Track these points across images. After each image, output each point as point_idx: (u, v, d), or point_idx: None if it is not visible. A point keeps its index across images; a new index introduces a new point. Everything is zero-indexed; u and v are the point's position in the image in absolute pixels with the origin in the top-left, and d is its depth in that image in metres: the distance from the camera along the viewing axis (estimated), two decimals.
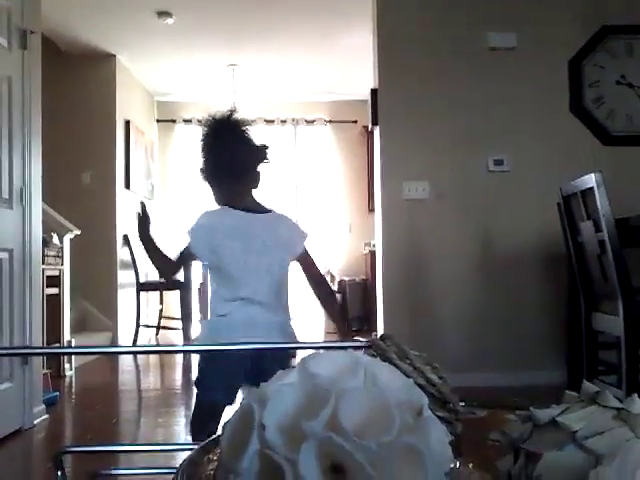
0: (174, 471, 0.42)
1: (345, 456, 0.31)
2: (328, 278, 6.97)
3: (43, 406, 3.09)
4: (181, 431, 2.90)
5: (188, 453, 0.46)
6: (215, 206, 2.06)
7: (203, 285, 6.18)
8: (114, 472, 0.69)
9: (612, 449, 0.41)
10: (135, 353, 5.48)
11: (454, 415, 0.52)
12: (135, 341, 5.63)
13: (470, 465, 0.53)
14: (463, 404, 0.56)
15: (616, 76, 3.86)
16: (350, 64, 5.85)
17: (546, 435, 0.46)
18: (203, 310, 6.17)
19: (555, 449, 0.44)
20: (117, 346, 4.64)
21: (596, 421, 0.45)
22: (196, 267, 5.90)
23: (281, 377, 0.35)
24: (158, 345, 5.38)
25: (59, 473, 0.61)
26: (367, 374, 0.35)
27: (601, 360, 2.89)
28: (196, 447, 0.47)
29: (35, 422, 2.95)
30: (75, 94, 5.56)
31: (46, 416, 3.07)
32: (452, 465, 0.45)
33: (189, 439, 2.09)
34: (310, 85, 6.76)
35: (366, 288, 6.43)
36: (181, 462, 0.44)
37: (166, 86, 6.75)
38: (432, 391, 0.49)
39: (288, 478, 0.31)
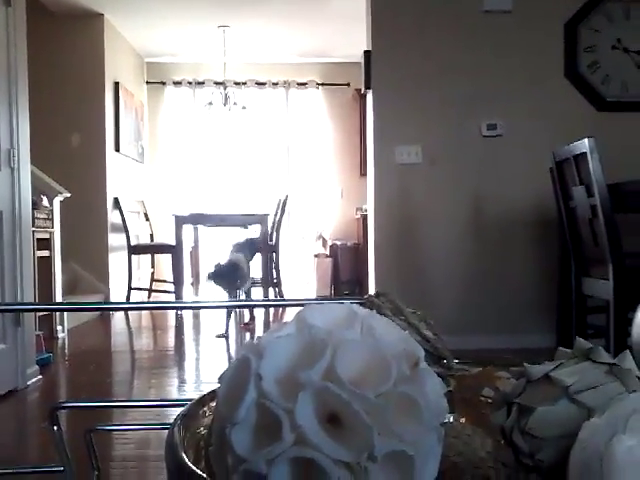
0: (168, 427, 0.42)
1: (342, 405, 0.31)
2: (320, 242, 6.99)
3: (37, 367, 3.11)
4: (174, 391, 2.93)
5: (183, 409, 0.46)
6: None
7: (195, 248, 6.18)
8: (109, 427, 0.70)
9: (604, 403, 0.41)
10: (128, 310, 5.51)
11: (448, 371, 0.52)
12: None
13: (463, 420, 0.54)
14: (457, 361, 0.57)
15: (612, 41, 3.82)
16: (343, 26, 5.75)
17: (539, 390, 0.46)
18: (195, 273, 6.18)
19: (548, 403, 0.44)
20: (110, 303, 4.65)
21: (589, 376, 0.45)
22: (187, 231, 5.89)
23: (278, 328, 0.35)
24: (153, 302, 5.40)
25: (55, 428, 0.61)
26: (364, 326, 0.35)
27: (590, 324, 2.93)
28: (191, 402, 0.47)
29: (29, 383, 2.98)
30: (62, 54, 5.45)
31: (40, 377, 3.09)
32: (446, 419, 0.46)
33: (183, 397, 2.14)
34: (302, 47, 6.65)
35: (358, 252, 6.45)
36: (177, 415, 0.44)
37: (156, 47, 6.62)
38: (427, 347, 0.50)
39: (285, 427, 0.31)
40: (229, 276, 4.24)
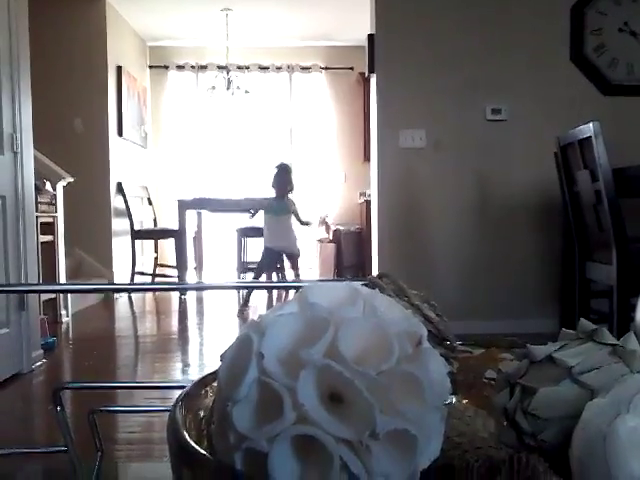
0: (170, 409, 0.42)
1: (344, 383, 0.31)
2: (323, 227, 6.99)
3: (41, 351, 3.13)
4: (178, 374, 2.95)
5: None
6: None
7: (198, 233, 6.18)
8: (112, 409, 0.70)
9: (608, 384, 0.41)
10: (133, 291, 5.52)
11: (451, 352, 0.52)
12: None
13: (465, 401, 0.54)
14: (460, 343, 0.56)
15: (619, 23, 3.78)
16: (347, 9, 5.70)
17: (542, 371, 0.46)
18: (198, 258, 6.19)
19: (551, 384, 0.44)
20: (114, 284, 4.65)
21: (592, 357, 0.45)
22: (191, 215, 5.89)
23: (280, 307, 0.35)
24: (159, 284, 5.41)
25: (58, 408, 0.62)
26: (366, 304, 0.34)
27: (593, 309, 2.93)
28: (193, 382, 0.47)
29: (33, 366, 3.00)
30: (64, 38, 5.41)
31: (44, 360, 3.11)
32: (449, 399, 0.46)
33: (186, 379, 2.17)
34: (306, 31, 6.60)
35: (361, 237, 6.45)
36: (178, 395, 0.44)
37: (158, 31, 6.58)
38: (429, 328, 0.49)
39: (286, 405, 0.31)
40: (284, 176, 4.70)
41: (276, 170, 4.79)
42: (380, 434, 0.31)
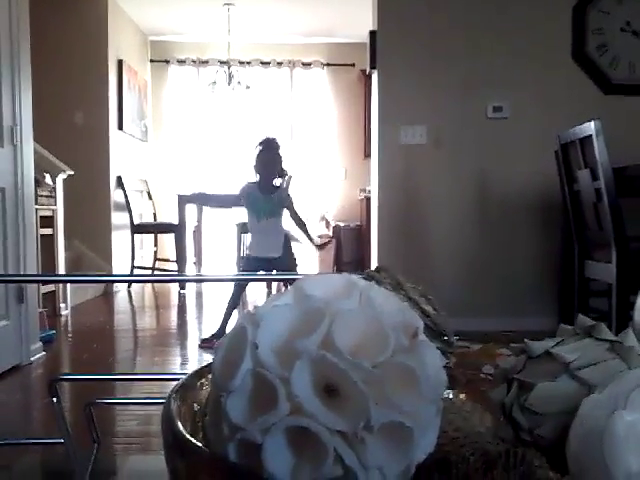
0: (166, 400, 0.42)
1: (339, 375, 0.30)
2: (323, 223, 6.98)
3: (40, 344, 3.13)
4: (176, 369, 2.95)
5: None
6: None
7: (198, 228, 6.18)
8: (109, 401, 0.70)
9: (605, 379, 0.41)
10: (132, 282, 5.51)
11: (448, 347, 0.52)
12: (130, 283, 5.65)
13: (462, 396, 0.53)
14: (457, 338, 0.56)
15: (621, 23, 3.77)
16: (349, 6, 5.68)
17: (540, 366, 0.46)
18: (197, 252, 6.18)
19: (548, 380, 0.44)
20: (113, 275, 4.64)
21: (590, 353, 0.45)
22: (191, 210, 5.88)
23: (275, 298, 0.35)
24: (158, 275, 5.40)
25: (54, 400, 0.61)
26: (362, 296, 0.34)
27: (592, 307, 2.93)
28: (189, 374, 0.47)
29: (32, 359, 2.99)
30: (66, 31, 5.40)
31: (43, 353, 3.11)
32: (445, 392, 0.45)
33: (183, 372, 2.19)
34: (307, 27, 6.58)
35: (361, 234, 6.45)
36: (174, 386, 0.44)
37: (160, 25, 6.56)
38: (426, 322, 0.49)
39: (281, 396, 0.31)
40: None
41: (260, 148, 3.60)
42: (375, 426, 0.31)
